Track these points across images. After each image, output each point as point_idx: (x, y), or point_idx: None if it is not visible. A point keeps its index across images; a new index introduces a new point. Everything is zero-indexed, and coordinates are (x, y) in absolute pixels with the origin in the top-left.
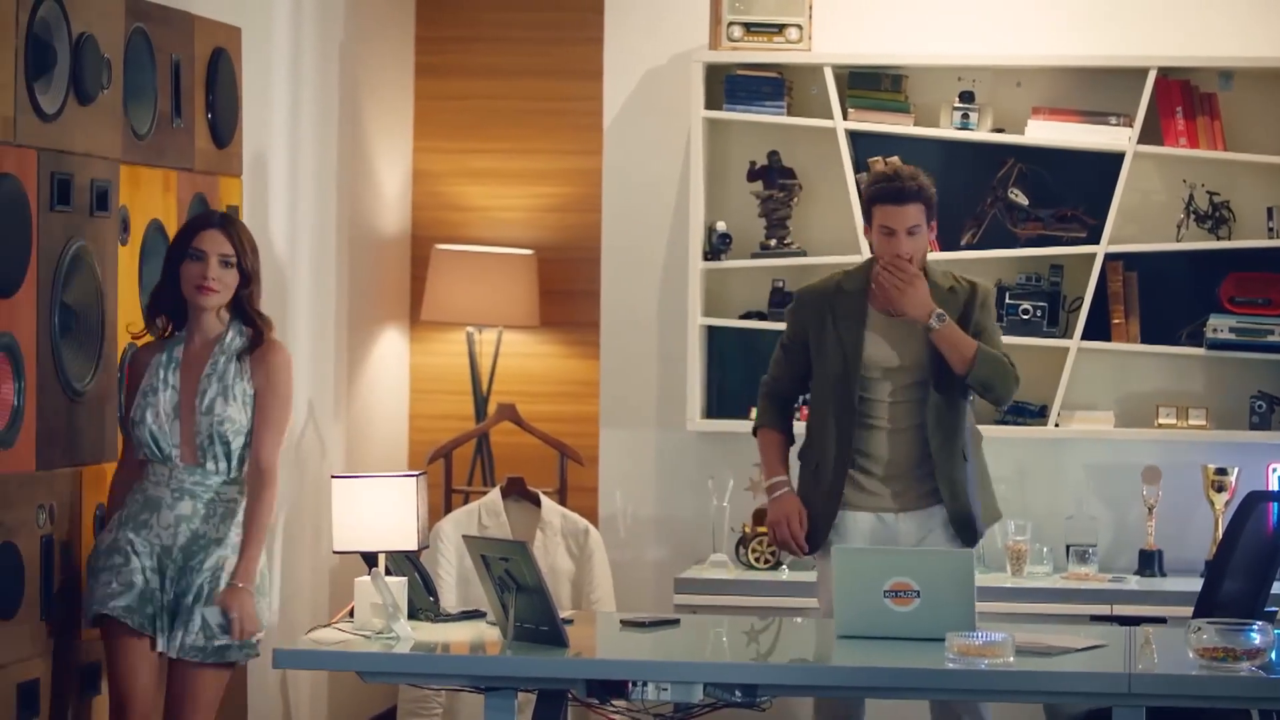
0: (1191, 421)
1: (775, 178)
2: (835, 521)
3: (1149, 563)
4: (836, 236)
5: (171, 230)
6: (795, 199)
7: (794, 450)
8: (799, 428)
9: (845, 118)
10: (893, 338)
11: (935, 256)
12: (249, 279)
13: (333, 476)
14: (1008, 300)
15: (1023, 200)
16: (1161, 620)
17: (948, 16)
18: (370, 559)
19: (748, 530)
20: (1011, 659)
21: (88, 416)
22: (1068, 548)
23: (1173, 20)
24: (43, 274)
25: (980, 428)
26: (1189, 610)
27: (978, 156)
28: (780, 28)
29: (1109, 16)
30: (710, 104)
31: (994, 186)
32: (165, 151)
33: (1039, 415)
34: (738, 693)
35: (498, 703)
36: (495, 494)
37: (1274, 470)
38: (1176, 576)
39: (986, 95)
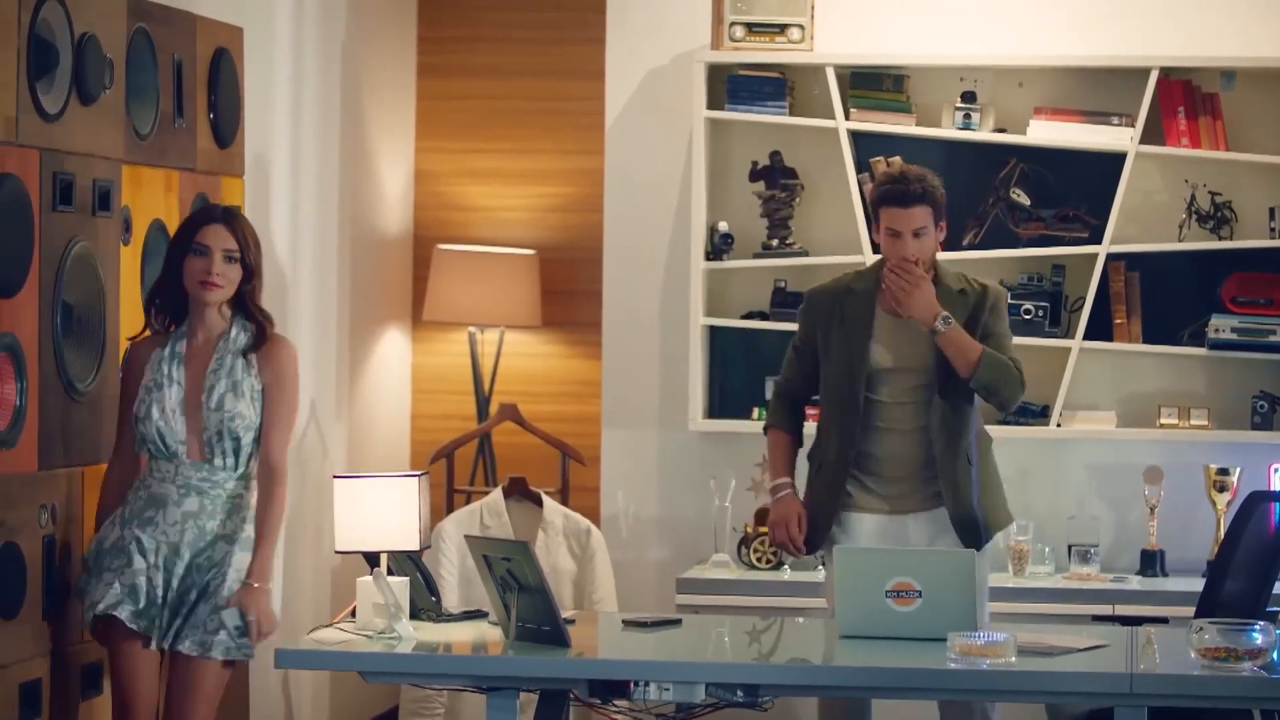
0: (1193, 422)
1: (777, 178)
2: (841, 522)
3: (1151, 563)
4: (838, 236)
5: (173, 230)
6: (797, 199)
7: (805, 451)
8: (810, 428)
9: (847, 118)
10: (899, 339)
11: (940, 257)
12: (252, 274)
13: (335, 476)
14: (1009, 300)
15: (1024, 200)
16: (1163, 620)
17: (949, 16)
18: (372, 559)
19: (749, 530)
20: (1013, 659)
21: (89, 417)
22: (1069, 548)
23: (1175, 20)
24: (44, 274)
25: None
26: (1191, 610)
27: (979, 157)
28: (782, 28)
29: (1111, 16)
30: (712, 104)
31: (996, 186)
32: (167, 151)
33: (1041, 415)
34: (739, 693)
35: (499, 703)
36: (497, 494)
37: (1276, 470)
38: (1178, 576)
39: (988, 95)
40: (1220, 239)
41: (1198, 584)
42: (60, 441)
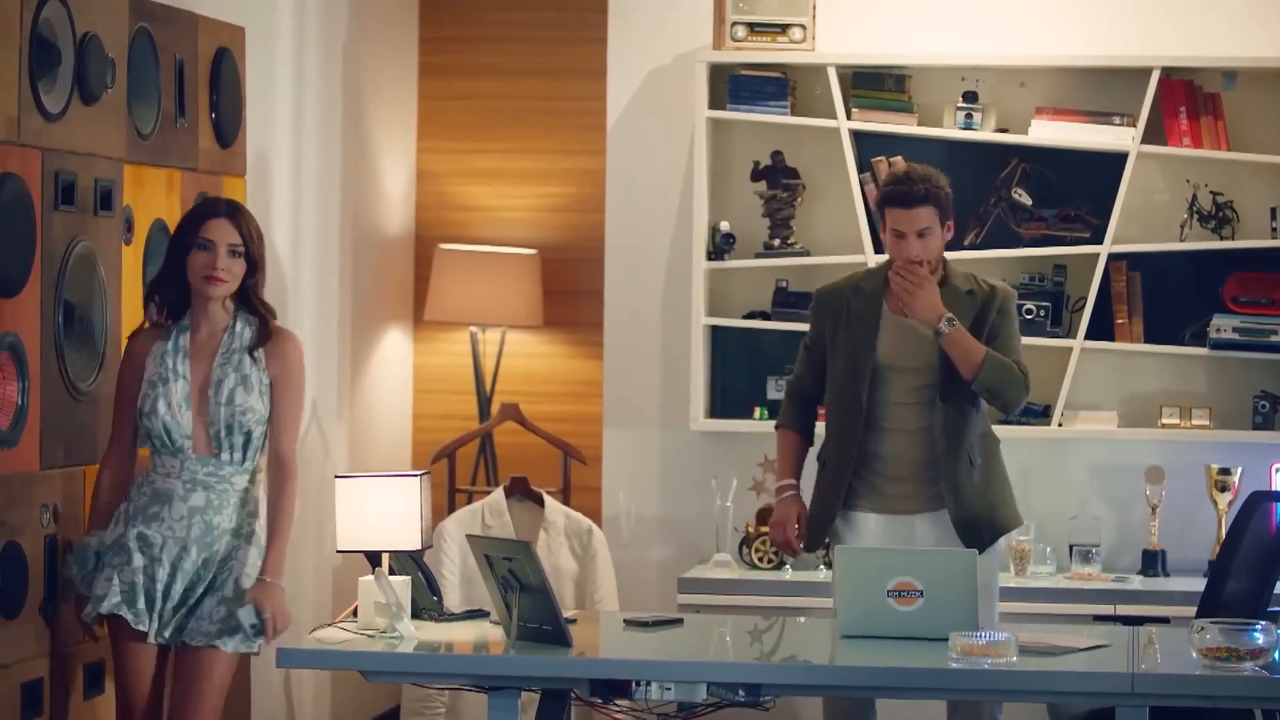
0: (1195, 421)
1: (779, 178)
2: (846, 521)
3: (1152, 563)
4: (840, 236)
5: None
6: (799, 199)
7: (814, 451)
8: (821, 428)
9: (849, 118)
10: (904, 339)
11: (947, 256)
12: (256, 267)
13: (336, 476)
14: None
15: (1026, 200)
16: (1165, 620)
17: (951, 16)
18: (374, 558)
19: (751, 530)
20: (1015, 659)
21: (91, 416)
22: (1071, 548)
23: (1176, 20)
24: (46, 274)
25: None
26: (1192, 610)
27: (981, 156)
28: (784, 28)
29: (1113, 16)
30: (714, 104)
31: (997, 186)
32: (169, 151)
33: (1042, 415)
34: (741, 692)
35: (501, 702)
36: (499, 494)
37: (1277, 470)
38: (1180, 576)
39: (990, 95)
40: (1222, 239)
41: (1199, 584)
42: (61, 441)
